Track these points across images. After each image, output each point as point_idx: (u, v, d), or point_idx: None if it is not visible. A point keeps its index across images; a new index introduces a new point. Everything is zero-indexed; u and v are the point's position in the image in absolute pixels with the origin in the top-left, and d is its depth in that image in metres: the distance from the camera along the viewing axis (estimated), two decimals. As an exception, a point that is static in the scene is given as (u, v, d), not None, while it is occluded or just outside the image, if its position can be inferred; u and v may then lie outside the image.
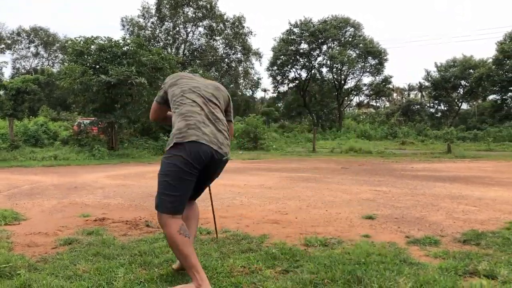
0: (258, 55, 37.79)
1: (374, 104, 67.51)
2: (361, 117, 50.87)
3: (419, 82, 51.22)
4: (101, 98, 15.69)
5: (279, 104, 47.23)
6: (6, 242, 3.93)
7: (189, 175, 2.72)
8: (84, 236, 4.15)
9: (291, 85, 39.99)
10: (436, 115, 44.66)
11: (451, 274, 2.92)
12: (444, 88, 40.23)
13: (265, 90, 54.73)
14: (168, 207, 2.71)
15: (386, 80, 39.80)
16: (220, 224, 4.55)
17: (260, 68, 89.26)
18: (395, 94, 69.55)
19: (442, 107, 45.24)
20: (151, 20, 37.45)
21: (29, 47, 47.51)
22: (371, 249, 3.48)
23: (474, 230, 4.20)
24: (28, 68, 47.22)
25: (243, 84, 38.87)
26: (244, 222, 4.80)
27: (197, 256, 2.91)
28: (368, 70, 39.53)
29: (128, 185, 8.30)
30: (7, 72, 49.03)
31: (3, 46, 45.12)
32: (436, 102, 45.36)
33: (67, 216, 5.29)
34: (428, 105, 47.61)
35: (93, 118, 17.06)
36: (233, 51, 37.48)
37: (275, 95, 41.72)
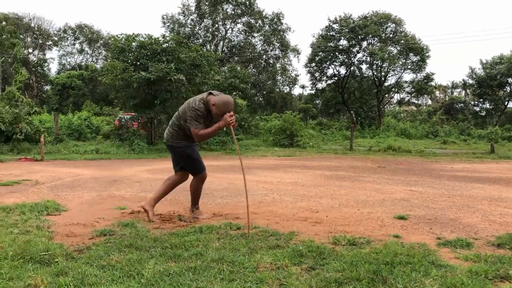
0: (296, 51, 37.67)
1: (416, 102, 65.88)
2: (402, 115, 49.77)
3: (463, 80, 49.51)
4: (141, 94, 16.10)
5: (317, 101, 46.86)
6: (47, 232, 4.14)
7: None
8: (120, 228, 4.32)
9: (329, 82, 39.55)
10: (481, 114, 43.10)
11: (480, 278, 2.87)
12: (489, 86, 38.73)
13: (303, 87, 54.46)
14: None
15: (428, 78, 38.70)
16: (250, 220, 4.61)
17: (298, 65, 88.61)
18: (437, 92, 67.60)
19: (487, 106, 43.59)
20: (191, 17, 38.00)
21: (74, 44, 49.18)
22: (400, 250, 3.45)
23: (510, 234, 4.08)
24: (73, 64, 48.90)
25: (281, 81, 38.82)
26: (274, 219, 4.85)
27: (225, 250, 3.25)
28: (409, 67, 38.51)
29: (165, 179, 8.49)
30: (54, 68, 51.03)
31: (50, 43, 46.92)
32: (481, 100, 43.75)
33: (105, 208, 5.51)
34: (472, 103, 46.00)
35: (134, 114, 17.53)
36: (271, 48, 37.50)
37: (313, 92, 41.37)
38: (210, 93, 4.60)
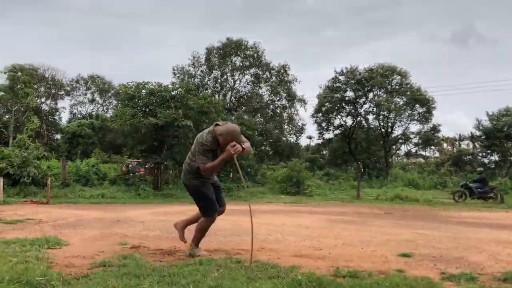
0: (303, 101, 38.23)
1: (423, 154, 65.77)
2: (410, 166, 49.52)
3: (471, 132, 49.60)
4: (149, 139, 16.30)
5: (324, 152, 46.95)
6: (46, 262, 4.11)
7: None
8: (119, 259, 4.28)
9: (336, 132, 39.81)
10: (489, 166, 42.81)
11: (484, 307, 2.79)
12: (496, 137, 38.75)
13: (310, 138, 54.74)
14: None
15: (435, 129, 38.84)
16: (254, 256, 4.55)
17: (305, 115, 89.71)
18: (445, 145, 67.58)
19: (495, 158, 43.38)
20: (201, 68, 39.02)
21: (85, 94, 50.35)
22: (402, 282, 3.38)
23: (517, 270, 3.98)
24: (84, 113, 49.85)
25: (288, 130, 39.17)
26: (276, 255, 4.78)
27: (223, 279, 3.09)
28: (415, 118, 38.81)
29: (168, 220, 8.43)
30: (65, 117, 51.89)
31: (62, 92, 48.08)
32: (489, 152, 43.63)
33: (106, 244, 5.47)
34: (480, 155, 45.83)
35: (141, 160, 17.66)
36: (278, 98, 38.14)
37: (320, 141, 41.56)
38: (217, 124, 4.61)
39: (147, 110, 16.48)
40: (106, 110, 49.31)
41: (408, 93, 37.07)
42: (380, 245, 5.64)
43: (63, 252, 4.74)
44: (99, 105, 51.19)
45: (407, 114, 38.20)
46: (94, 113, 48.28)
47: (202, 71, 39.12)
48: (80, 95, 50.47)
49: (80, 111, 50.83)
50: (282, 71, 37.28)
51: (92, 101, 50.69)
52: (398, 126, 39.63)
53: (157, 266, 3.91)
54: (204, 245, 5.31)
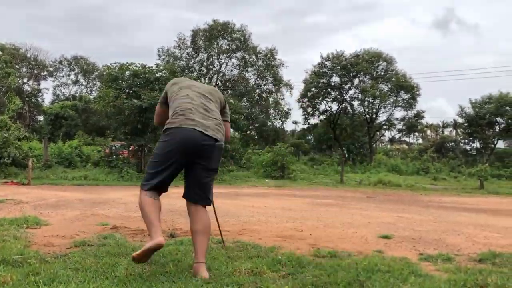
0: (289, 86, 38.17)
1: (407, 140, 66.48)
2: (393, 152, 50.04)
3: (454, 120, 50.18)
4: (133, 121, 16.14)
5: (309, 137, 47.12)
6: (24, 241, 4.06)
7: (170, 159, 3.00)
8: (99, 240, 4.24)
9: (321, 117, 39.93)
10: (471, 153, 43.48)
11: (458, 286, 2.83)
12: (479, 125, 39.30)
13: (295, 123, 54.83)
14: (143, 182, 3.10)
15: (419, 115, 39.25)
16: (233, 238, 4.56)
17: (291, 100, 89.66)
18: (428, 131, 68.36)
19: (477, 145, 44.04)
20: (186, 51, 38.57)
21: (69, 75, 49.53)
22: (380, 262, 3.42)
23: (492, 251, 4.05)
24: (67, 94, 49.10)
25: (273, 115, 39.14)
26: (258, 236, 4.79)
27: (204, 258, 3.00)
28: (400, 104, 39.10)
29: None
30: (48, 98, 50.95)
31: (45, 73, 47.22)
32: (471, 139, 44.25)
33: (87, 224, 5.42)
34: (462, 142, 46.48)
35: (124, 143, 17.50)
36: (264, 82, 37.99)
37: (305, 126, 41.69)
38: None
39: (131, 92, 16.29)
40: (90, 92, 48.65)
41: (393, 79, 37.28)
42: (361, 227, 5.69)
43: (42, 232, 4.69)
44: (82, 87, 50.49)
45: (391, 100, 38.48)
46: (77, 94, 47.58)
47: (188, 54, 38.72)
48: (63, 76, 49.67)
49: (63, 92, 50.08)
50: (269, 55, 37.08)
51: (76, 82, 49.96)
52: (383, 112, 39.94)
53: (137, 246, 3.88)
54: (186, 225, 5.31)
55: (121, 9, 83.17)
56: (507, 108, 37.30)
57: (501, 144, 44.88)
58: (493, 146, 40.77)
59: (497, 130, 40.18)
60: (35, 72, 45.79)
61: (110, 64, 17.17)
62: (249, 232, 5.05)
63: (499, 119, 38.81)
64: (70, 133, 36.76)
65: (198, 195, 3.16)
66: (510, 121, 36.12)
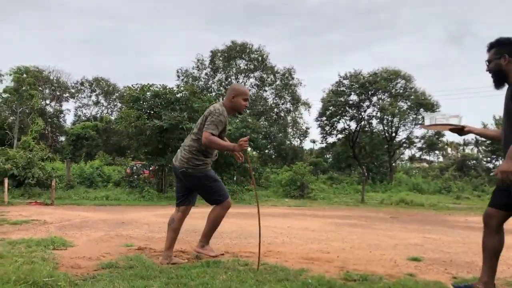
0: (307, 105, 38.20)
1: (427, 158, 65.60)
2: (414, 171, 49.37)
3: (475, 137, 49.44)
4: (154, 141, 16.26)
5: (327, 156, 46.86)
6: (52, 262, 4.07)
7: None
8: (126, 261, 4.23)
9: (340, 136, 39.72)
10: (493, 171, 42.60)
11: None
12: (501, 142, 38.62)
13: (314, 142, 54.67)
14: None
15: (439, 133, 38.74)
16: (261, 258, 4.50)
17: (309, 118, 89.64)
18: (449, 149, 67.40)
19: (500, 163, 43.10)
20: (205, 71, 39.06)
21: (90, 96, 50.47)
22: (414, 286, 3.32)
23: (530, 275, 3.91)
24: (88, 115, 49.95)
25: (292, 134, 39.11)
26: (284, 258, 4.72)
27: (232, 282, 2.98)
28: (420, 122, 38.67)
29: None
30: (69, 119, 51.96)
31: (67, 95, 48.19)
32: (494, 157, 43.48)
33: (112, 245, 5.43)
34: (485, 160, 45.65)
35: (145, 162, 17.62)
36: (282, 101, 38.12)
37: (323, 145, 41.47)
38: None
39: (152, 112, 16.45)
40: (110, 113, 49.42)
41: (412, 97, 36.98)
42: (388, 249, 5.57)
43: (68, 253, 4.70)
44: (103, 107, 51.32)
45: (411, 118, 38.12)
46: (98, 115, 48.38)
47: (206, 74, 39.17)
48: (84, 98, 50.61)
49: (84, 113, 50.95)
50: (287, 74, 37.26)
51: (97, 103, 50.82)
52: (402, 130, 39.54)
53: (164, 267, 3.86)
54: (212, 247, 5.28)
55: (138, 30, 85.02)
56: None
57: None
58: (517, 163, 39.90)
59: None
60: (57, 93, 46.76)
61: (132, 85, 17.43)
62: (275, 254, 4.98)
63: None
64: (91, 153, 37.30)
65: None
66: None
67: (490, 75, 3.29)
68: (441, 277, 3.85)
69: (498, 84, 3.25)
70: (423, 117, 30.23)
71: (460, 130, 3.58)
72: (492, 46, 3.26)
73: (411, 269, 4.22)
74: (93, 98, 50.64)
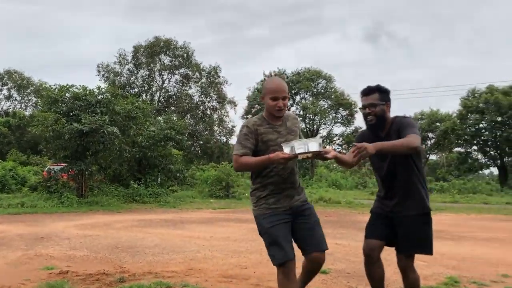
0: (233, 103, 38.70)
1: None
2: (334, 165, 51.72)
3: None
4: (73, 145, 15.75)
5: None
6: (-31, 297, 4.04)
7: None
8: (47, 290, 4.29)
9: (265, 133, 40.70)
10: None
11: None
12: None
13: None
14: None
15: (357, 131, 40.98)
16: (181, 279, 4.76)
17: (235, 116, 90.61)
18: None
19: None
20: (127, 66, 38.12)
21: (1, 90, 47.31)
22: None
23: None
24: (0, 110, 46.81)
25: (218, 132, 39.42)
26: (204, 277, 5.01)
27: None
28: (339, 120, 40.74)
29: (94, 236, 8.36)
30: (-23, 115, 48.38)
31: (-25, 88, 44.85)
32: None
33: (31, 268, 5.40)
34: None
35: (64, 165, 17.03)
36: (208, 99, 38.28)
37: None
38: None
39: (71, 114, 15.90)
40: (24, 108, 46.65)
41: (332, 97, 38.85)
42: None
43: (-15, 282, 4.65)
44: (16, 102, 48.33)
45: (331, 117, 40.02)
46: (10, 110, 45.45)
47: (128, 69, 38.27)
48: (-5, 91, 47.33)
49: (-5, 108, 47.66)
50: (213, 72, 37.42)
51: (9, 97, 47.70)
52: (323, 128, 41.44)
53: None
54: (133, 265, 5.45)
55: (56, 17, 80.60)
56: (438, 124, 39.87)
57: (434, 158, 47.62)
58: (425, 159, 43.28)
59: (429, 144, 42.76)
60: (-36, 86, 43.37)
61: (49, 85, 16.72)
62: (196, 272, 5.25)
63: (430, 134, 41.34)
64: (2, 151, 35.08)
65: None
66: (440, 137, 38.61)
67: (370, 118, 3.40)
68: (342, 292, 4.35)
69: (380, 127, 3.42)
70: (341, 116, 31.24)
71: (321, 155, 3.01)
72: (372, 91, 3.40)
73: (318, 284, 4.69)
74: (5, 92, 47.50)
